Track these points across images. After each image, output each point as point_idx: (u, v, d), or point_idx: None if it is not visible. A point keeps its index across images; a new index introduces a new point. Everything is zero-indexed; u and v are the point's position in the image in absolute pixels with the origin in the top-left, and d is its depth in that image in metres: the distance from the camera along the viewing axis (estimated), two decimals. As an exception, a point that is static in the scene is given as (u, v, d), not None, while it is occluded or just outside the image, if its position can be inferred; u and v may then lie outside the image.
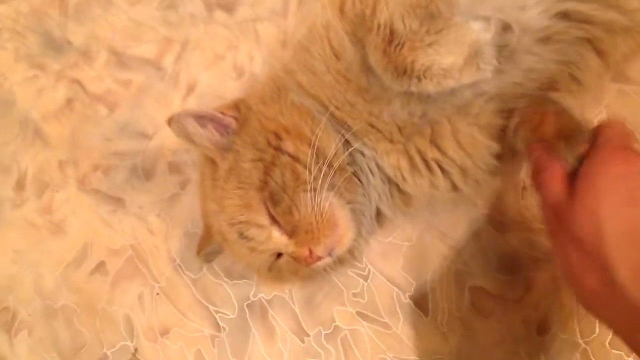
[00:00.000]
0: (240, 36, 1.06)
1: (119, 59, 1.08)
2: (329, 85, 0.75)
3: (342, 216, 0.75)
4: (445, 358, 0.87)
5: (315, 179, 0.73)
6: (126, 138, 1.04)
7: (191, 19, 1.08)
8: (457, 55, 0.67)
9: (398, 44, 0.68)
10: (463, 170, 0.78)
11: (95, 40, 1.09)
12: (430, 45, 0.67)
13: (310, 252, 0.73)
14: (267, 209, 0.74)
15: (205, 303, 0.93)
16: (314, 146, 0.73)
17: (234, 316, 0.92)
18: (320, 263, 0.75)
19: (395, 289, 0.89)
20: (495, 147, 0.77)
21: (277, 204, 0.73)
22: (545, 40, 0.73)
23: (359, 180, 0.79)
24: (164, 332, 0.93)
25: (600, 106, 0.88)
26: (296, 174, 0.72)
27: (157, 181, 1.00)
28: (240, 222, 0.75)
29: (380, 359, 0.87)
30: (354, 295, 0.88)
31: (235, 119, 0.78)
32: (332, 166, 0.74)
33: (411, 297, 0.89)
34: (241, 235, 0.75)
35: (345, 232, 0.75)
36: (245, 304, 0.91)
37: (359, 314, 0.89)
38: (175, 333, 0.93)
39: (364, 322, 0.89)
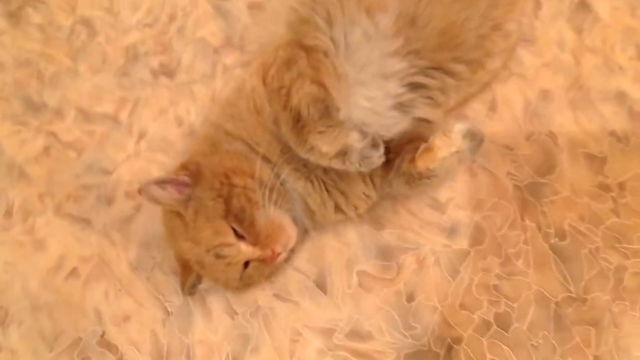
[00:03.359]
0: (179, 95, 1.18)
1: (85, 115, 1.17)
2: (252, 128, 0.91)
3: (286, 221, 0.90)
4: (341, 323, 1.00)
5: (262, 199, 0.87)
6: (92, 174, 1.13)
7: (141, 83, 1.19)
8: (331, 148, 0.84)
9: (302, 126, 0.85)
10: (345, 195, 0.96)
11: (66, 102, 1.18)
12: (320, 133, 0.84)
13: (272, 251, 0.87)
14: (232, 229, 0.86)
15: (157, 295, 1.04)
16: (254, 176, 0.88)
17: (180, 303, 1.03)
18: (280, 258, 0.90)
19: (302, 275, 1.03)
20: (368, 180, 0.95)
21: (241, 222, 0.86)
22: (398, 106, 0.91)
23: (290, 195, 0.93)
24: (126, 319, 1.03)
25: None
26: (248, 198, 0.86)
27: (117, 206, 1.10)
28: (215, 246, 0.86)
29: (292, 328, 1.01)
30: (270, 280, 1.01)
31: (188, 175, 0.89)
32: (270, 188, 0.88)
33: (314, 281, 1.03)
34: (217, 256, 0.86)
35: (291, 231, 0.90)
36: (188, 293, 1.00)
37: (275, 295, 1.03)
38: (134, 318, 1.03)
39: (279, 302, 1.02)
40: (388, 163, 0.92)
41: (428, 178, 0.91)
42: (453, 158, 0.89)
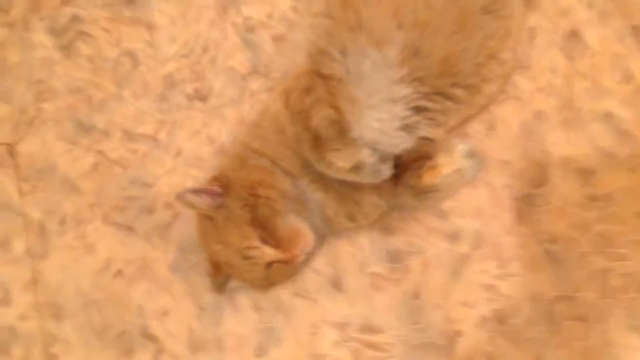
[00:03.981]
0: (211, 117, 1.22)
1: (129, 136, 1.22)
2: (275, 146, 0.98)
3: (304, 227, 0.96)
4: (354, 318, 1.06)
5: (283, 208, 0.94)
6: (135, 187, 1.19)
7: (177, 107, 1.23)
8: (346, 163, 0.91)
9: (321, 144, 0.91)
10: (358, 205, 1.01)
11: (112, 124, 1.23)
12: (336, 150, 0.91)
13: (292, 254, 0.92)
14: (257, 234, 0.92)
15: (192, 292, 1.11)
16: (276, 188, 0.94)
17: (212, 300, 1.10)
18: (299, 260, 0.95)
19: (320, 276, 1.09)
20: (378, 192, 1.00)
21: (265, 228, 0.92)
22: (404, 127, 0.96)
23: (309, 205, 0.98)
24: (165, 313, 1.10)
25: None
26: (271, 207, 0.93)
27: (157, 215, 1.16)
28: (242, 249, 0.92)
29: (311, 322, 1.07)
30: (292, 280, 1.06)
31: (220, 186, 0.95)
32: (291, 199, 0.95)
33: (331, 281, 1.08)
34: (244, 257, 0.92)
35: (309, 236, 0.96)
36: (220, 290, 1.04)
37: (296, 293, 1.09)
38: (172, 314, 1.10)
39: (299, 299, 1.08)
40: (396, 176, 0.99)
41: (432, 192, 0.99)
42: (455, 175, 0.98)
